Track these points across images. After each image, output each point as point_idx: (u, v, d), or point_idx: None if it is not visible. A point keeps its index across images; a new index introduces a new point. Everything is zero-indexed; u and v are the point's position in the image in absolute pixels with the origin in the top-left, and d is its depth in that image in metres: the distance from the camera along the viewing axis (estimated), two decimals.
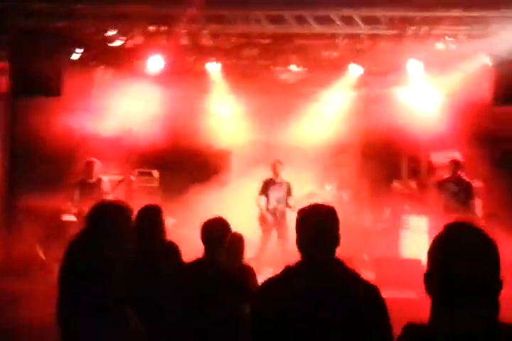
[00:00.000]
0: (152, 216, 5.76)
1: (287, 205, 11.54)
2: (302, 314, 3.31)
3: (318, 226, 3.52)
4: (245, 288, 5.27)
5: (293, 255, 10.92)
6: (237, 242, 6.03)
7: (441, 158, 13.02)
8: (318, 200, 12.83)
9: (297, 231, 3.59)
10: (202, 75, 13.08)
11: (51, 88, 10.02)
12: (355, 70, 12.83)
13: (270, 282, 3.58)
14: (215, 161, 13.85)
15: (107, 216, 4.41)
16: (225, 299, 5.00)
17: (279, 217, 11.44)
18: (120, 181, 11.38)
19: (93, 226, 4.38)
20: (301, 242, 3.57)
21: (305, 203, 11.84)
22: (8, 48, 9.90)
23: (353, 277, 3.48)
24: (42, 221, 11.21)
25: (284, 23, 10.60)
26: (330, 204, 3.71)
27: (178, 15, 10.14)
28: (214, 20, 10.50)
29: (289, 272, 3.56)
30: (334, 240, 3.54)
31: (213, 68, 12.94)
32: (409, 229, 12.27)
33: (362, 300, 3.36)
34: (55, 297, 4.27)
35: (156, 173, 13.22)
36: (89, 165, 11.09)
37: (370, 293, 3.42)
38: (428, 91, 12.95)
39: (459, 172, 11.26)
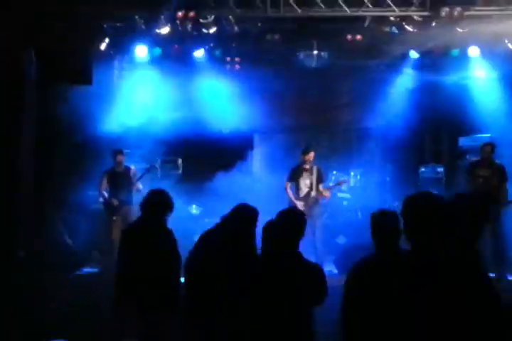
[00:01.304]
0: None
1: (319, 192, 10.94)
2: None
3: (429, 216, 3.47)
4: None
5: (326, 243, 10.51)
6: None
7: (469, 141, 12.70)
8: (346, 187, 12.62)
9: (407, 220, 3.56)
10: (219, 60, 12.85)
11: (83, 76, 9.81)
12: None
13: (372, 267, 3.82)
14: (239, 147, 13.48)
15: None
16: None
17: (310, 205, 10.88)
18: (147, 170, 11.12)
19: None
20: (411, 231, 3.54)
21: (336, 190, 11.39)
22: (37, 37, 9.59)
23: (464, 267, 3.43)
24: (70, 210, 11.02)
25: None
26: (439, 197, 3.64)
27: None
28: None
29: (395, 260, 3.67)
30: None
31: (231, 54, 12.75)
32: None
33: (474, 293, 3.28)
34: None
35: (179, 161, 12.95)
36: (117, 154, 10.87)
37: (483, 286, 3.35)
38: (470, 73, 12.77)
39: (491, 155, 10.81)
